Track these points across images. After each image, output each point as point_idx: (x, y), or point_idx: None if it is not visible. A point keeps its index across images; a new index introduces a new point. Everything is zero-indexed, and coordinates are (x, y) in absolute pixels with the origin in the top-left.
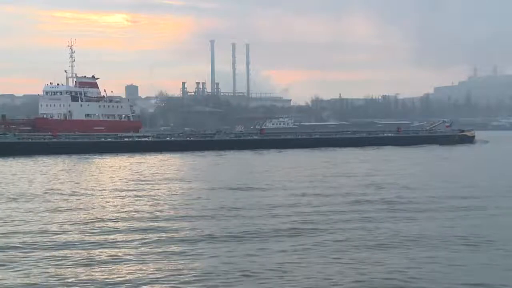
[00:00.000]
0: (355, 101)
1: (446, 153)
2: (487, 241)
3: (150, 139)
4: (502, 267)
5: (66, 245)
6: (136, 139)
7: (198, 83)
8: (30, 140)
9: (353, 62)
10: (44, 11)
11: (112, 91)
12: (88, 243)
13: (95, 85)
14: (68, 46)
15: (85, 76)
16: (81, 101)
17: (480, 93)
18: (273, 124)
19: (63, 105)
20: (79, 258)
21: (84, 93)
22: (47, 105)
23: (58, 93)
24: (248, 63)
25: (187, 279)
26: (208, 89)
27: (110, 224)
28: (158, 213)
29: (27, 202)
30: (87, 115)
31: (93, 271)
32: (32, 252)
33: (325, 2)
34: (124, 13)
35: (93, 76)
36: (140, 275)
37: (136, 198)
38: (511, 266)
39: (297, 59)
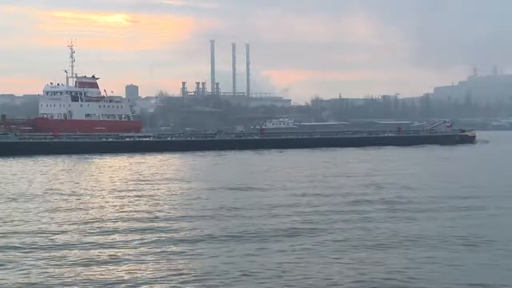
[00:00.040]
0: (355, 101)
1: (446, 153)
2: (487, 241)
3: (151, 139)
4: (502, 267)
5: (66, 245)
6: (137, 139)
7: (198, 83)
8: (31, 140)
9: (353, 62)
10: (44, 11)
11: (112, 91)
12: (88, 243)
13: (95, 85)
14: (68, 46)
15: (85, 76)
16: (81, 101)
17: (480, 93)
18: (273, 124)
19: (63, 105)
20: (79, 258)
21: (84, 93)
22: (47, 105)
23: (58, 93)
24: (248, 63)
25: (186, 279)
26: (208, 89)
27: (110, 224)
28: (157, 213)
29: (27, 202)
30: (87, 115)
31: (92, 271)
32: (32, 252)
33: (325, 2)
34: (124, 13)
35: (93, 76)
36: (140, 275)
37: (136, 198)
38: (511, 266)
39: (297, 59)
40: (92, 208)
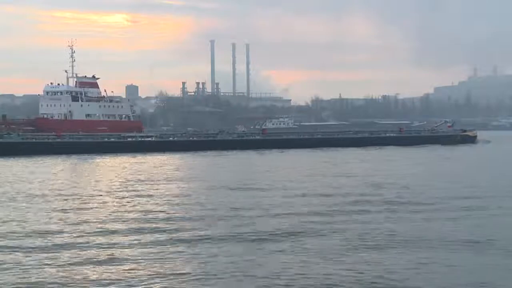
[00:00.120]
0: (355, 101)
1: (448, 153)
2: (488, 240)
3: (153, 139)
4: (502, 267)
5: (65, 245)
6: (139, 139)
7: (198, 83)
8: (34, 140)
9: (353, 62)
10: (44, 11)
11: (112, 91)
12: (87, 243)
13: (95, 85)
14: (69, 46)
15: (85, 76)
16: (82, 101)
17: (480, 93)
18: (273, 124)
19: (64, 105)
20: (78, 258)
21: (85, 93)
22: (47, 105)
23: (59, 93)
24: (248, 63)
25: (186, 279)
26: (208, 89)
27: (109, 224)
28: (157, 213)
29: (26, 202)
30: (88, 115)
31: (92, 271)
32: (31, 252)
33: (325, 2)
34: (124, 13)
35: (93, 76)
36: (139, 275)
37: (136, 198)
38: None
39: (297, 59)
40: (92, 208)
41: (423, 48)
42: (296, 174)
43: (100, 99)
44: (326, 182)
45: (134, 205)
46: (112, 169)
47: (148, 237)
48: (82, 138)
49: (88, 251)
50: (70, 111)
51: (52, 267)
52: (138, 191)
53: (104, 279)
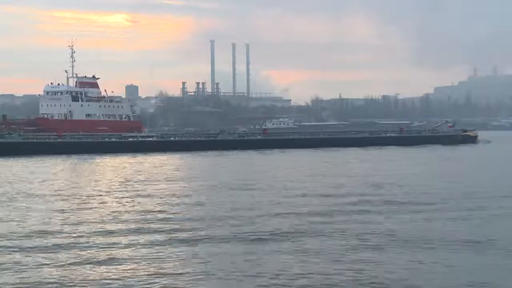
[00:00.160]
0: (355, 101)
1: (449, 153)
2: (488, 240)
3: (154, 139)
4: (503, 267)
5: (65, 245)
6: (140, 139)
7: (198, 83)
8: (35, 140)
9: (353, 62)
10: (44, 11)
11: (112, 91)
12: (87, 243)
13: (95, 85)
14: (69, 46)
15: (85, 76)
16: (82, 101)
17: (480, 93)
18: (273, 124)
19: (64, 105)
20: (78, 258)
21: (85, 93)
22: (47, 105)
23: (59, 93)
24: (248, 63)
25: (186, 279)
26: (208, 89)
27: (109, 224)
28: (157, 214)
29: (26, 202)
30: (88, 115)
31: (91, 271)
32: (31, 252)
33: (325, 2)
34: (124, 13)
35: (93, 76)
36: (139, 275)
37: (136, 198)
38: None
39: (297, 59)
40: (92, 208)
41: (423, 48)
42: (296, 174)
43: (100, 99)
44: (327, 182)
45: (134, 205)
46: (112, 169)
47: (148, 237)
48: (82, 138)
49: (88, 251)
50: (70, 111)
51: (51, 267)
52: (138, 191)
53: (104, 279)
